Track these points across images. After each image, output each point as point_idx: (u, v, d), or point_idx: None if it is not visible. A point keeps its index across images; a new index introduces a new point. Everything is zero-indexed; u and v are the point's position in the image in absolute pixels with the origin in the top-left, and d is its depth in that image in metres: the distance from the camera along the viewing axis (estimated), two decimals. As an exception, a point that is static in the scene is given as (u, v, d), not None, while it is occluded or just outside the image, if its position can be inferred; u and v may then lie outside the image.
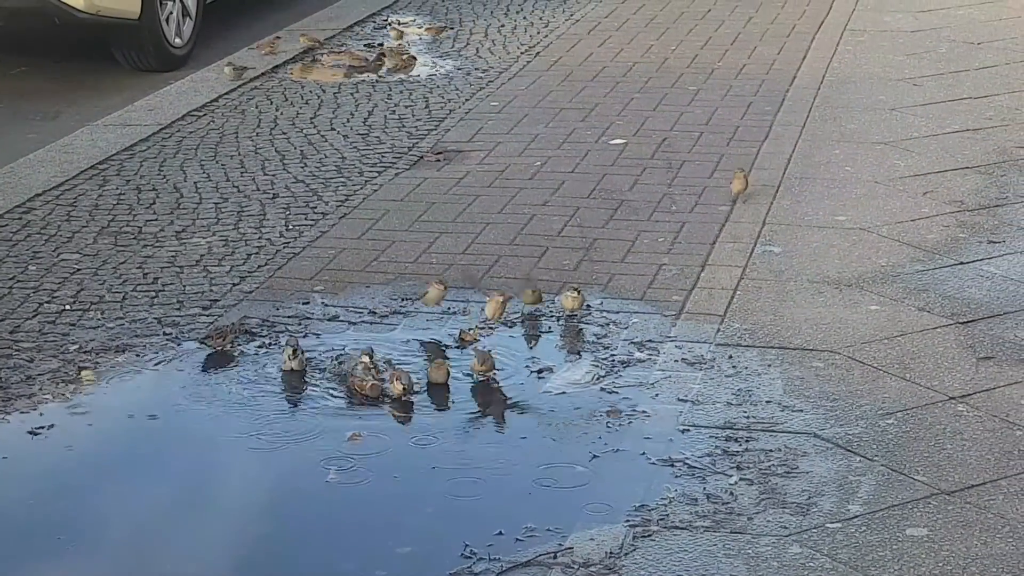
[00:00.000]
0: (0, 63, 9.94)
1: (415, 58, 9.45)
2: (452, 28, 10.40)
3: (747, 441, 4.79)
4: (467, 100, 8.71)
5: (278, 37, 9.97)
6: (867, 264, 6.19)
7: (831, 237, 6.48)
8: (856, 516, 4.37)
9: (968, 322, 5.64)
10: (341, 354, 5.38)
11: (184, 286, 6.08)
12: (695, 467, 4.65)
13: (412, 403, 5.07)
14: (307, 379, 5.27)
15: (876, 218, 6.70)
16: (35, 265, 6.31)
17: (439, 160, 7.65)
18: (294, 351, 5.29)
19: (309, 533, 4.38)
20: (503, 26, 10.51)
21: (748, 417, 4.94)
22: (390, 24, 10.33)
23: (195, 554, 4.29)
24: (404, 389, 5.06)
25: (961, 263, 6.19)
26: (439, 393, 5.16)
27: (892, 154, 7.59)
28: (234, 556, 4.29)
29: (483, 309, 5.70)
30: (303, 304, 5.89)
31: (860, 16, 10.54)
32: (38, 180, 7.37)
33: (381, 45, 9.83)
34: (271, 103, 8.67)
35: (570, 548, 4.23)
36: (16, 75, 9.74)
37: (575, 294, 5.73)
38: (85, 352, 5.47)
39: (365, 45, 9.85)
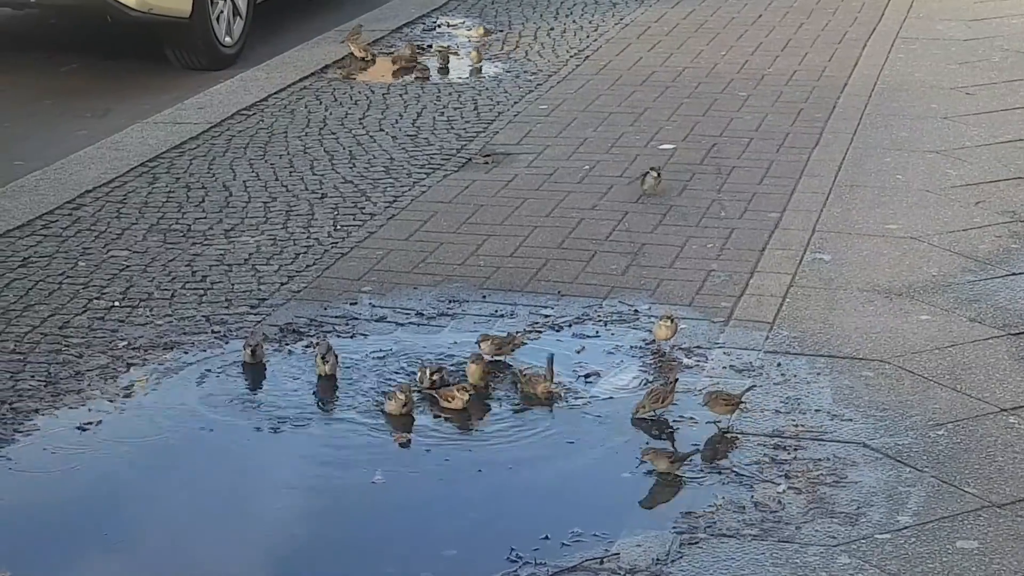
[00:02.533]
0: (52, 60, 9.99)
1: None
2: (501, 31, 10.39)
3: (795, 449, 4.76)
4: (516, 103, 8.69)
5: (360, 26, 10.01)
6: (918, 274, 6.15)
7: (882, 246, 6.43)
8: (906, 527, 4.33)
9: (1020, 333, 5.59)
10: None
11: (232, 284, 6.09)
12: (743, 475, 4.62)
13: (460, 406, 5.05)
14: (348, 380, 5.25)
15: (927, 227, 6.65)
16: (85, 261, 6.34)
17: (487, 162, 7.64)
18: (323, 357, 5.26)
19: (354, 534, 4.37)
20: (552, 29, 10.49)
21: (797, 425, 4.90)
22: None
23: (239, 554, 4.30)
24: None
25: (1013, 274, 6.13)
26: (486, 397, 5.15)
27: (944, 163, 7.53)
28: (279, 556, 4.29)
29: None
30: (351, 304, 5.89)
31: (912, 24, 10.47)
32: (88, 176, 7.40)
33: (430, 47, 9.84)
34: (320, 103, 8.69)
35: (616, 554, 4.21)
36: (67, 72, 9.79)
37: (668, 322, 5.43)
38: (134, 349, 5.49)
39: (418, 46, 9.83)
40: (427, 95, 8.85)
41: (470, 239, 6.57)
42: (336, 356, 5.28)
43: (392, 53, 9.67)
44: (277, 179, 7.38)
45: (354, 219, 6.82)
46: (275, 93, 8.86)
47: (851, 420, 4.95)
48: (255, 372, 5.33)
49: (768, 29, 10.43)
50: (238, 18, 9.97)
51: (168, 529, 4.42)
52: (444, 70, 9.37)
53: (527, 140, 8.01)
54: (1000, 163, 7.51)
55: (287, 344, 5.54)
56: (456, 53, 9.66)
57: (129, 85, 9.50)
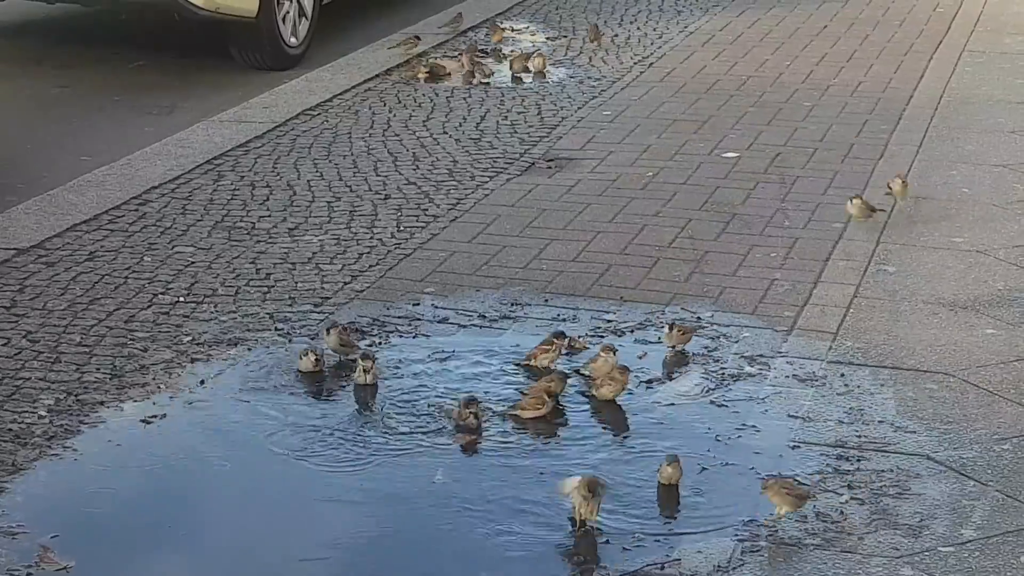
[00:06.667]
0: (119, 57, 10.08)
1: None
2: (565, 36, 10.40)
3: (859, 460, 4.73)
4: (579, 108, 8.70)
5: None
6: (983, 287, 6.10)
7: (947, 258, 6.39)
8: (969, 541, 4.30)
9: (1087, 350, 5.55)
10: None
11: (296, 283, 6.12)
12: (805, 484, 4.60)
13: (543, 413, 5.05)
14: (404, 384, 5.26)
15: (994, 241, 6.60)
16: (150, 256, 6.38)
17: (551, 167, 7.65)
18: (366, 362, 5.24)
19: (416, 535, 4.38)
20: (616, 36, 10.49)
21: (860, 436, 4.88)
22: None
23: (303, 548, 4.31)
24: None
25: (1080, 290, 6.09)
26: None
27: (1011, 177, 7.47)
28: (343, 553, 4.30)
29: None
30: (413, 305, 5.91)
31: (979, 37, 10.40)
32: (154, 173, 7.46)
33: (494, 51, 9.85)
34: (384, 105, 8.72)
35: (678, 560, 4.20)
36: (134, 69, 9.87)
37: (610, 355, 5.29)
38: (198, 344, 5.52)
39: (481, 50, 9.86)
40: (491, 99, 8.86)
41: (533, 243, 6.58)
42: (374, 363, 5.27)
43: (456, 57, 9.69)
44: (341, 179, 7.41)
45: (417, 220, 6.84)
46: (340, 94, 8.91)
47: (915, 432, 4.92)
48: (316, 374, 5.34)
49: (833, 40, 10.39)
50: (304, 19, 10.02)
51: (230, 523, 4.45)
52: (514, 77, 9.35)
53: (590, 146, 8.00)
54: (1068, 178, 7.46)
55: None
56: (520, 58, 9.64)
57: (195, 83, 9.57)
